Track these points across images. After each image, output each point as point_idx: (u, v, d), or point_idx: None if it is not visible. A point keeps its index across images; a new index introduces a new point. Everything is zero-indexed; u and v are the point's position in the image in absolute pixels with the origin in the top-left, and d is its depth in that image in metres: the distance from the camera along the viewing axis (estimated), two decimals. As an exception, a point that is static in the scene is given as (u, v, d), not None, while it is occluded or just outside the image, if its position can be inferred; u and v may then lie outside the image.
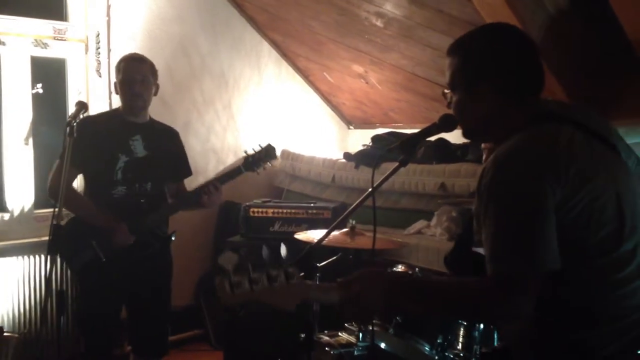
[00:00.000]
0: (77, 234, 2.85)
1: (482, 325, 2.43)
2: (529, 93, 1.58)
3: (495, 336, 2.37)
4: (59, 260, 2.50)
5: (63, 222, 2.62)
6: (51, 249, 2.45)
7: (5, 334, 3.47)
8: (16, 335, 3.52)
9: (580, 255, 1.41)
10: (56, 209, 2.46)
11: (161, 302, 3.11)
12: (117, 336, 3.16)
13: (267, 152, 3.11)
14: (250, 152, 3.12)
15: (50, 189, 2.89)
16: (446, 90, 1.66)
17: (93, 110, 4.00)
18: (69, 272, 3.36)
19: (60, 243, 2.76)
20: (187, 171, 3.25)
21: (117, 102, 4.10)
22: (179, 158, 3.21)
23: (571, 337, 1.43)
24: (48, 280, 2.44)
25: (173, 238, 3.07)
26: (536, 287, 1.36)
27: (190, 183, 3.31)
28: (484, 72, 1.56)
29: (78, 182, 3.34)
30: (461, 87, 1.60)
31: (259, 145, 3.13)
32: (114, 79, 4.12)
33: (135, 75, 2.97)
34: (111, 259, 2.84)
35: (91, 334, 2.91)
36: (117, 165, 2.91)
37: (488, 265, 1.40)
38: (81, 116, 2.65)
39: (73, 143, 2.68)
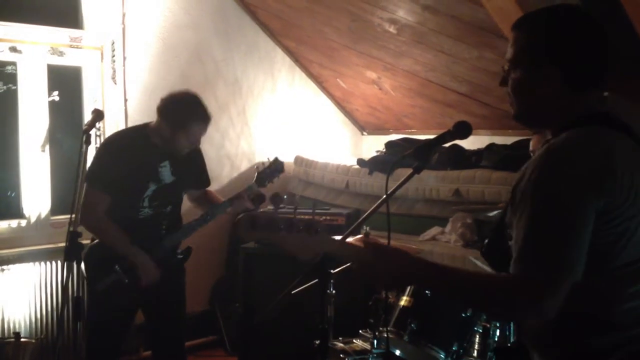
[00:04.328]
0: (100, 259, 2.86)
1: (497, 332, 2.42)
2: (592, 85, 1.51)
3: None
4: (75, 266, 2.52)
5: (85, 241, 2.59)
6: (68, 255, 2.47)
7: (22, 339, 3.50)
8: (33, 341, 3.56)
9: (601, 263, 1.38)
10: (73, 215, 2.48)
11: (177, 311, 3.12)
12: (125, 345, 3.15)
13: (276, 167, 3.14)
14: (261, 168, 3.14)
15: (87, 225, 2.79)
16: (506, 66, 1.57)
17: (108, 117, 4.05)
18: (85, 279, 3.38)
19: (85, 267, 2.78)
20: (207, 182, 3.27)
21: (132, 109, 4.15)
22: (201, 173, 3.22)
23: (580, 342, 1.41)
24: (64, 286, 2.46)
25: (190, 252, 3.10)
26: (564, 294, 1.33)
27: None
28: (550, 54, 1.48)
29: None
30: (523, 65, 1.53)
31: (267, 159, 3.15)
32: (129, 86, 4.18)
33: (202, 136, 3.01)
34: (134, 280, 2.86)
35: (100, 341, 2.91)
36: (145, 193, 2.90)
37: (517, 263, 1.36)
38: (97, 125, 2.66)
39: (105, 167, 2.69)
